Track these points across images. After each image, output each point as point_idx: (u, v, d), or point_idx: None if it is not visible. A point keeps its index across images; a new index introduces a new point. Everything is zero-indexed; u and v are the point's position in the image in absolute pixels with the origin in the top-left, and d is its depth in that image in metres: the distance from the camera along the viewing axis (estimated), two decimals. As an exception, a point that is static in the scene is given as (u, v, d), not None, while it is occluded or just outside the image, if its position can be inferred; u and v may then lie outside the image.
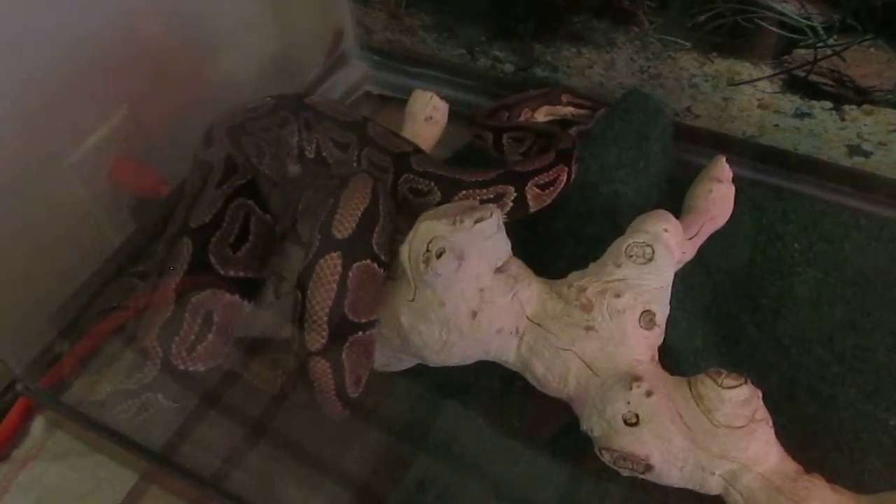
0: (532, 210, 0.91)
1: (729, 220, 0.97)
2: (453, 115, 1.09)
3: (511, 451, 0.86)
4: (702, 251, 0.93)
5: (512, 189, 0.88)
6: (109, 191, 1.06)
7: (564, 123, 1.12)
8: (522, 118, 1.10)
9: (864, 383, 0.89)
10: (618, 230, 0.81)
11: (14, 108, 0.89)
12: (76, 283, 0.99)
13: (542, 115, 1.12)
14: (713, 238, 0.95)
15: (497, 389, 0.89)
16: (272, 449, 0.90)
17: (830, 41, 0.96)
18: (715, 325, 0.94)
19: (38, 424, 0.98)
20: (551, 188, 0.92)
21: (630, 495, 0.81)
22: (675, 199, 0.99)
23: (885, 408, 0.86)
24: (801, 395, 0.88)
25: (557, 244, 0.96)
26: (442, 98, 1.07)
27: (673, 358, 0.82)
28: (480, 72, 1.24)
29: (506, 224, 0.79)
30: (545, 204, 0.92)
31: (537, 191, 0.90)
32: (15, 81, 0.88)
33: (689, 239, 0.91)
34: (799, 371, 0.90)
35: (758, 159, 1.09)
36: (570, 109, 1.12)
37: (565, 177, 0.93)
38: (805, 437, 0.82)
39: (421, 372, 0.86)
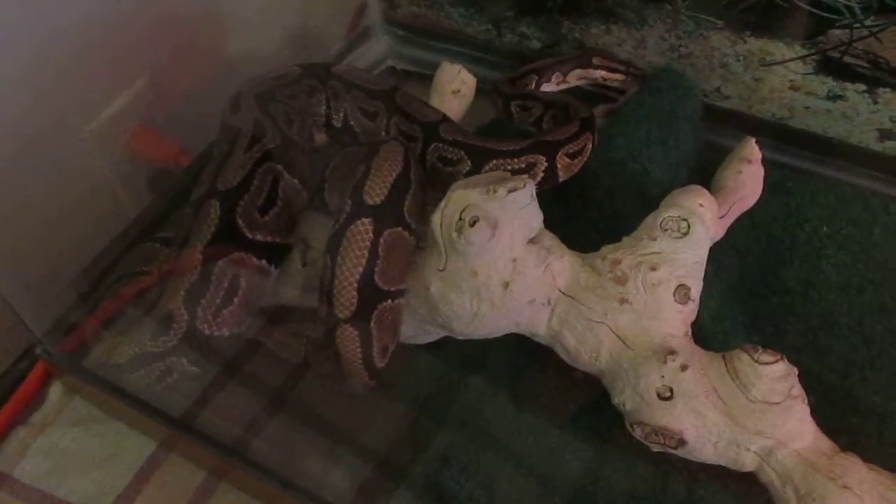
0: (561, 179, 0.90)
1: (757, 202, 0.96)
2: (479, 92, 1.07)
3: (536, 426, 0.86)
4: (730, 232, 0.92)
5: (543, 158, 0.87)
6: (128, 160, 1.05)
7: (592, 99, 1.10)
8: (554, 82, 1.09)
9: (893, 367, 0.88)
10: (646, 207, 0.80)
11: (33, 74, 0.88)
12: (94, 251, 0.98)
13: (574, 80, 1.10)
14: (741, 219, 0.94)
15: (522, 364, 0.88)
16: (294, 419, 0.89)
17: (867, 22, 0.95)
18: (743, 306, 0.93)
19: (55, 390, 0.97)
20: (579, 157, 0.91)
21: (656, 472, 0.80)
22: (702, 179, 0.97)
23: (916, 392, 0.85)
24: (830, 378, 0.87)
25: (584, 220, 0.95)
26: (467, 74, 1.05)
27: (702, 337, 0.81)
28: (506, 48, 1.23)
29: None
30: (573, 173, 0.92)
31: (567, 160, 0.89)
32: (34, 47, 0.87)
33: (719, 219, 0.90)
34: (827, 354, 0.89)
35: (787, 142, 1.08)
36: (601, 73, 1.09)
37: (590, 145, 0.93)
38: (834, 420, 0.81)
39: (446, 345, 0.85)
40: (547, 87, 1.09)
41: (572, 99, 1.01)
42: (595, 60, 1.09)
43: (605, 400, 0.77)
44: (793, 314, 0.93)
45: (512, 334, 0.80)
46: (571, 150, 0.89)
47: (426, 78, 1.10)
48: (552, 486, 0.82)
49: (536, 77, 1.08)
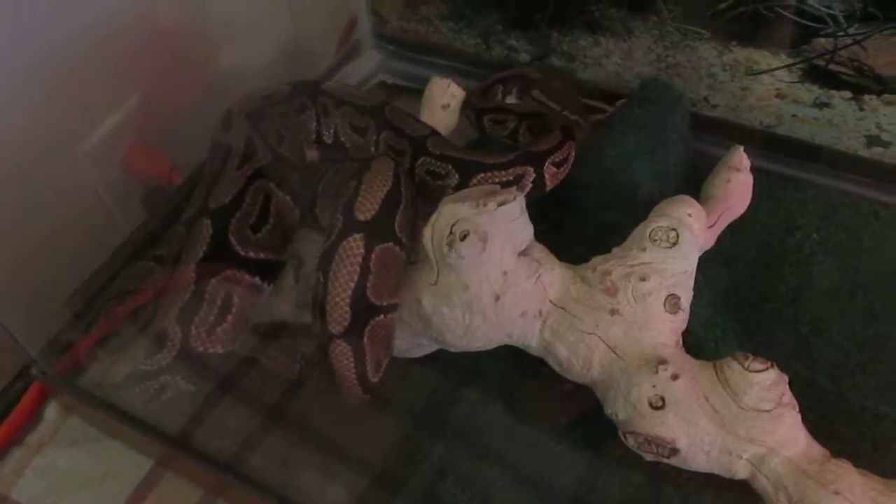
0: (548, 189, 0.91)
1: (747, 210, 0.96)
2: (469, 105, 1.08)
3: (529, 437, 0.86)
4: (720, 241, 0.92)
5: (531, 169, 0.88)
6: (121, 178, 1.06)
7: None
8: (515, 95, 1.09)
9: (884, 372, 0.88)
10: (635, 218, 0.80)
11: (27, 92, 0.88)
12: (88, 270, 0.98)
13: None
14: (731, 228, 0.94)
15: (516, 376, 0.88)
16: (290, 435, 0.89)
17: (851, 30, 0.96)
18: (734, 314, 0.93)
19: (51, 409, 0.98)
20: (565, 165, 0.92)
21: (650, 481, 0.80)
22: (692, 188, 0.97)
23: (907, 396, 0.86)
24: (822, 384, 0.88)
25: (574, 232, 0.96)
26: (456, 88, 1.06)
27: (694, 345, 0.82)
28: (496, 61, 1.24)
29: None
30: (559, 181, 0.92)
31: (554, 169, 0.90)
32: (28, 66, 0.87)
33: (709, 227, 0.90)
34: (819, 360, 0.90)
35: (776, 150, 1.09)
36: (534, 105, 1.07)
37: (574, 153, 0.94)
38: (826, 426, 0.81)
39: (439, 358, 0.86)
40: (510, 99, 1.09)
41: (546, 108, 1.01)
42: (534, 93, 1.07)
43: (598, 410, 0.77)
44: (784, 321, 0.93)
45: (505, 346, 0.80)
46: (557, 159, 0.90)
47: (417, 92, 1.10)
48: (547, 497, 0.82)
49: (502, 87, 1.09)
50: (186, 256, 0.80)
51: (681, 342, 0.76)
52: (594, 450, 0.83)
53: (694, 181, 0.99)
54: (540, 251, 0.79)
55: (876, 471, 0.71)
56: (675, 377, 0.71)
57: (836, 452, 0.72)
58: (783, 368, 0.71)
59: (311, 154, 1.01)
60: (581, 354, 0.75)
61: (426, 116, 1.04)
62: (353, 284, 0.73)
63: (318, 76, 1.28)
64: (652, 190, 0.96)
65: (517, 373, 0.89)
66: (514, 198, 0.75)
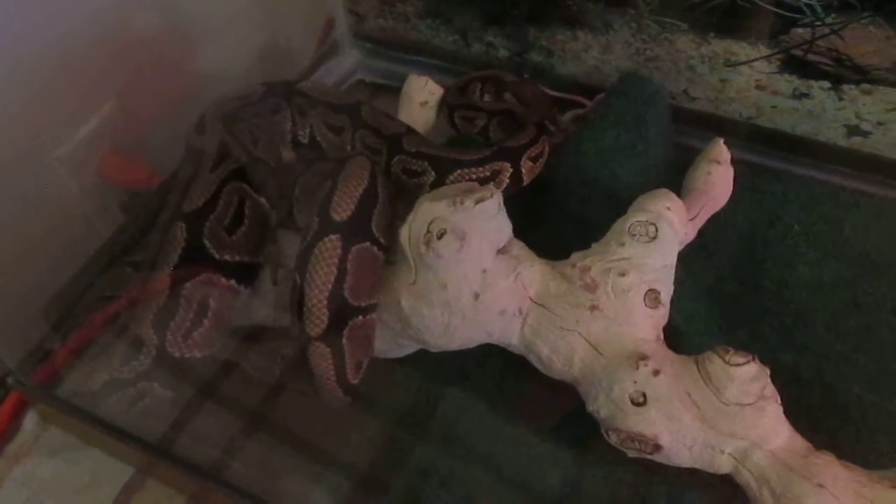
0: (525, 183, 0.91)
1: (728, 202, 0.96)
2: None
3: (514, 437, 0.85)
4: (702, 233, 0.92)
5: (508, 165, 0.88)
6: (99, 184, 1.05)
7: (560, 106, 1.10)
8: (491, 94, 1.10)
9: (868, 362, 0.88)
10: (616, 213, 0.80)
11: (1, 100, 0.87)
12: (65, 277, 0.97)
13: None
14: (713, 220, 0.94)
15: (499, 375, 0.88)
16: (272, 439, 0.89)
17: (828, 19, 0.95)
18: (717, 307, 0.93)
19: (30, 419, 0.96)
20: (540, 159, 0.93)
21: (636, 478, 0.80)
22: (673, 182, 0.97)
23: (891, 387, 0.85)
24: (806, 375, 0.87)
25: (555, 228, 0.95)
26: (435, 85, 1.06)
27: (676, 340, 0.81)
28: (474, 58, 1.23)
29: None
30: (534, 175, 0.93)
31: (530, 164, 0.91)
32: (2, 73, 0.86)
33: (690, 220, 0.90)
34: (803, 351, 0.89)
35: (756, 141, 1.09)
36: (504, 104, 1.08)
37: (548, 147, 0.94)
38: (811, 417, 0.81)
39: (421, 358, 0.85)
40: (486, 98, 1.10)
41: (515, 105, 1.02)
42: (506, 96, 1.08)
43: (583, 408, 0.76)
44: (767, 313, 0.93)
45: (488, 345, 0.79)
46: (533, 154, 0.91)
47: (396, 91, 1.10)
48: (532, 496, 0.82)
49: (480, 85, 1.09)
50: (161, 261, 0.79)
51: (662, 337, 0.76)
52: (578, 447, 0.82)
53: (675, 175, 0.99)
54: (519, 248, 0.78)
55: (859, 460, 0.71)
56: (656, 373, 0.70)
57: (820, 443, 0.71)
58: (767, 361, 0.71)
59: (287, 154, 1.00)
60: (562, 352, 0.75)
61: (404, 114, 1.03)
62: (330, 286, 0.72)
63: (296, 76, 1.27)
64: (632, 184, 0.96)
65: (501, 371, 0.88)
66: (492, 195, 0.74)
